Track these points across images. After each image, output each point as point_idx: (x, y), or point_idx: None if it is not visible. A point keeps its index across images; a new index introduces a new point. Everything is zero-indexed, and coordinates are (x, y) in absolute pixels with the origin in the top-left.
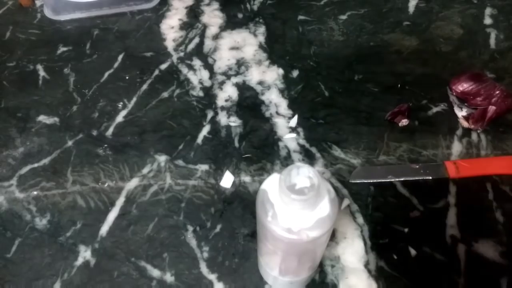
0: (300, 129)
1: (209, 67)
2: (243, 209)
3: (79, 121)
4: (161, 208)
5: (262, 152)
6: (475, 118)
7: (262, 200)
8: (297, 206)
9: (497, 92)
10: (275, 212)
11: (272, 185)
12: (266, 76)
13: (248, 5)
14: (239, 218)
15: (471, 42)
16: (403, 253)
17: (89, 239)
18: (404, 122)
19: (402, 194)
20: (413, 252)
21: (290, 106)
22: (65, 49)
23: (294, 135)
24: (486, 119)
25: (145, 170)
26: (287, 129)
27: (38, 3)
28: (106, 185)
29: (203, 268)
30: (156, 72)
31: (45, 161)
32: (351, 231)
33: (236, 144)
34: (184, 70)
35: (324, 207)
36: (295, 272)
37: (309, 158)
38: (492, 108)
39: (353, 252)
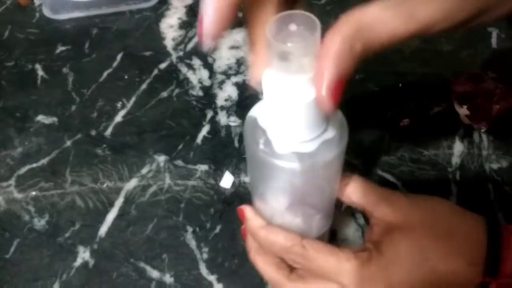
0: None
1: (208, 66)
2: None
3: (78, 121)
4: (160, 209)
5: None
6: (477, 118)
7: (251, 129)
8: (292, 67)
9: (498, 91)
10: (268, 138)
11: (262, 111)
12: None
13: None
14: (239, 219)
15: (472, 41)
16: None
17: (88, 240)
18: (405, 122)
19: None
20: None
21: None
22: (63, 48)
23: None
24: (489, 118)
25: (144, 171)
26: None
27: (36, 2)
28: (105, 185)
29: (203, 269)
30: (155, 71)
31: (44, 161)
32: (352, 232)
33: (236, 144)
34: (184, 69)
35: (330, 128)
36: (301, 220)
37: None
38: (495, 107)
39: None
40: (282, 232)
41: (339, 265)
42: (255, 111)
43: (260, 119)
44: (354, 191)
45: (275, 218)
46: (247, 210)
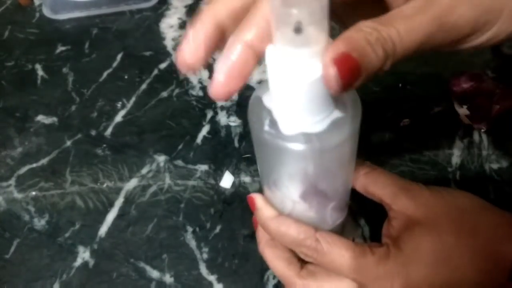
0: None
1: (208, 66)
2: (243, 209)
3: (78, 121)
4: (160, 209)
5: None
6: (477, 118)
7: (256, 110)
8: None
9: (498, 91)
10: (273, 119)
11: (267, 90)
12: (267, 75)
13: None
14: (239, 218)
15: None
16: None
17: (88, 240)
18: (405, 122)
19: None
20: None
21: None
22: (63, 48)
23: None
24: (489, 118)
25: (144, 171)
26: None
27: (37, 2)
28: (105, 185)
29: (203, 269)
30: (155, 71)
31: (44, 161)
32: (352, 231)
33: (236, 144)
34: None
35: (341, 107)
36: (314, 210)
37: None
38: (495, 107)
39: None
40: (295, 223)
41: (354, 260)
42: (260, 91)
43: (266, 99)
44: (371, 181)
45: (286, 208)
46: (257, 199)
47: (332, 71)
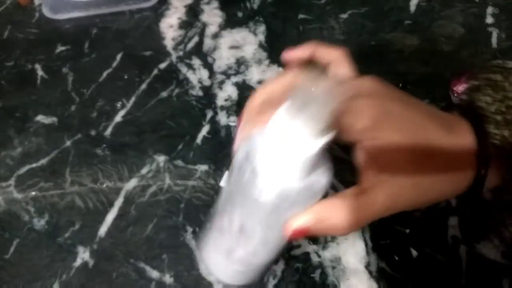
0: None
1: (208, 66)
2: None
3: (78, 121)
4: (160, 209)
5: None
6: None
7: (243, 165)
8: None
9: None
10: (257, 172)
11: (257, 144)
12: (266, 75)
13: (248, 4)
14: None
15: (472, 41)
16: (405, 254)
17: (87, 240)
18: None
19: None
20: (414, 253)
21: None
22: (63, 48)
23: None
24: None
25: (144, 171)
26: None
27: (36, 2)
28: (104, 185)
29: (203, 270)
30: (155, 71)
31: (43, 161)
32: (352, 232)
33: None
34: (184, 69)
35: (319, 172)
36: (253, 253)
37: None
38: None
39: (354, 253)
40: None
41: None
42: (247, 147)
43: (253, 157)
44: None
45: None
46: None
47: (288, 232)
